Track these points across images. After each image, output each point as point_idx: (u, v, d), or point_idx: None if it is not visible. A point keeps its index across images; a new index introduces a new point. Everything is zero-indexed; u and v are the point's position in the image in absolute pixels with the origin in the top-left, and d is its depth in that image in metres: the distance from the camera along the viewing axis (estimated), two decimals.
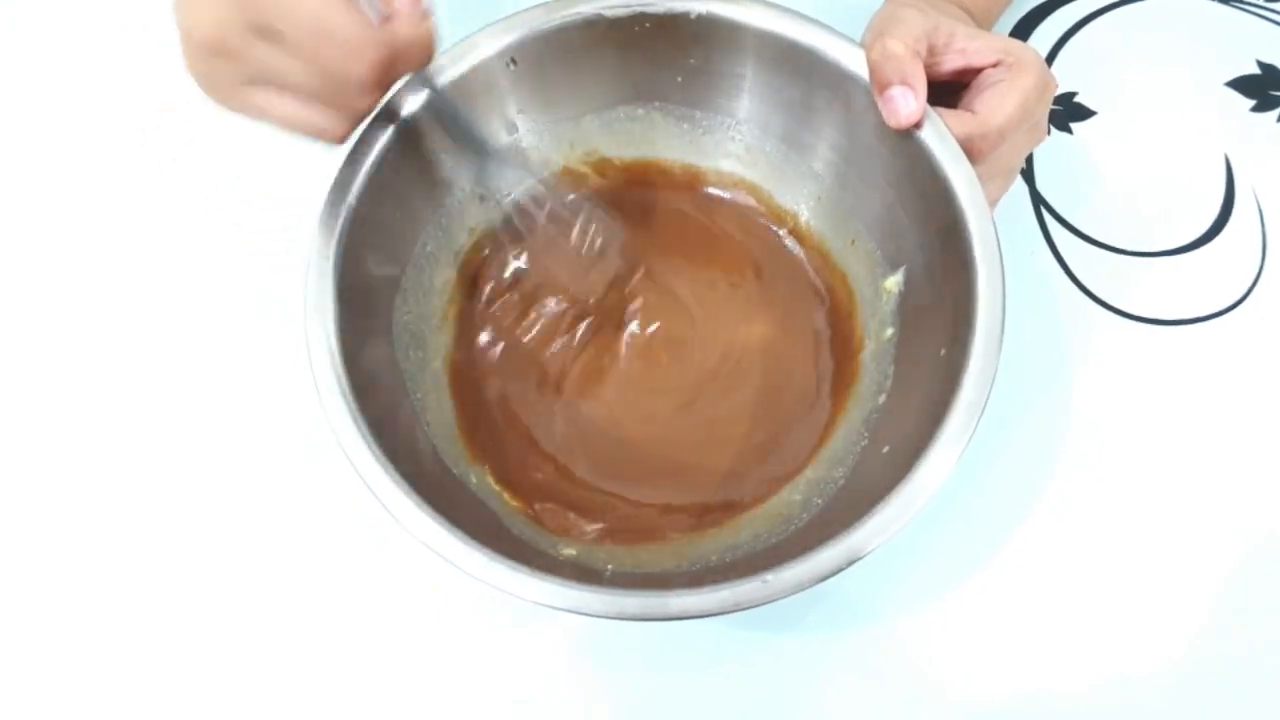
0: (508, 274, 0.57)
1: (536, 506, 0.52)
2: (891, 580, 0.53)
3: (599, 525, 0.52)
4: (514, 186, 0.56)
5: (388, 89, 0.44)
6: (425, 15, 0.43)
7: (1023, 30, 0.68)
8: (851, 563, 0.43)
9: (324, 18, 0.39)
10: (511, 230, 0.57)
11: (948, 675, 0.52)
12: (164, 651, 0.53)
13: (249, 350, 0.59)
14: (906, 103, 0.48)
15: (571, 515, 0.52)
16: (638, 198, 0.59)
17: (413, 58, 0.43)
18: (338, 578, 0.54)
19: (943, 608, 0.53)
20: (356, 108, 0.43)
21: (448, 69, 0.51)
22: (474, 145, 0.52)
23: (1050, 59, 0.66)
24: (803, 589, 0.42)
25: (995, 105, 0.49)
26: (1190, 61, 0.67)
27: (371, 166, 0.49)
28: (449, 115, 0.51)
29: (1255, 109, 0.65)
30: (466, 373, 0.55)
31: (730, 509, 0.52)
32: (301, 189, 0.49)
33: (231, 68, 0.40)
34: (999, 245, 0.47)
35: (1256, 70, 0.66)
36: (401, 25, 0.42)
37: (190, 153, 0.64)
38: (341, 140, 0.44)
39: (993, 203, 0.52)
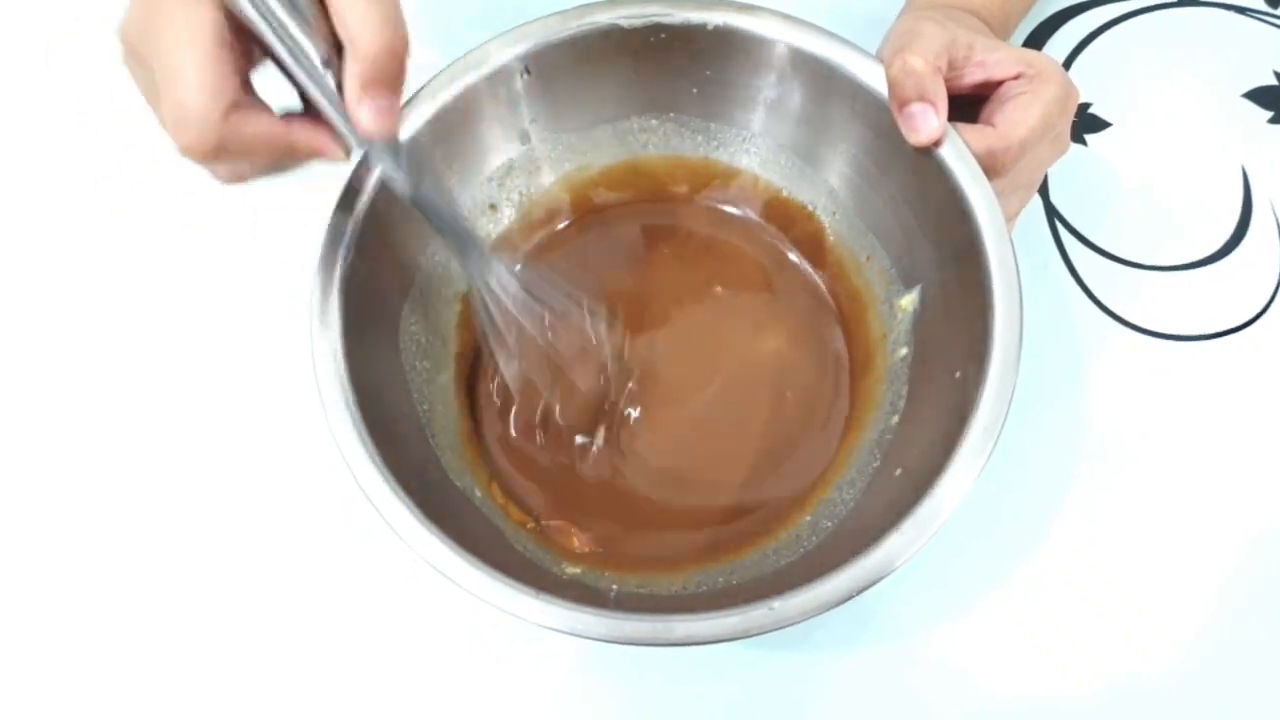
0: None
1: (542, 524, 0.49)
2: (903, 596, 0.50)
3: (605, 549, 0.49)
4: (492, 278, 0.47)
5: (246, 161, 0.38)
6: (317, 134, 0.39)
7: (1036, 41, 0.64)
8: (861, 590, 0.40)
9: (174, 76, 0.34)
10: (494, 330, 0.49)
11: (960, 692, 0.49)
12: (161, 669, 0.51)
13: (256, 351, 0.56)
14: (927, 120, 0.45)
15: (577, 536, 0.49)
16: (646, 214, 0.56)
17: (267, 156, 0.38)
18: (341, 590, 0.51)
19: (957, 624, 0.50)
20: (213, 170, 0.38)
21: (459, 79, 0.48)
22: (454, 240, 0.46)
23: (1064, 70, 0.62)
24: (810, 616, 0.39)
25: (1016, 118, 0.46)
26: (1206, 73, 0.63)
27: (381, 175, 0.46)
28: (430, 210, 0.44)
29: (1273, 120, 0.62)
30: (475, 386, 0.52)
31: (742, 538, 0.49)
32: (312, 192, 0.46)
33: (139, 72, 0.37)
34: (1017, 269, 0.44)
35: (1274, 81, 0.63)
36: (258, 126, 0.37)
37: None
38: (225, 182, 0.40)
39: (1013, 217, 0.49)
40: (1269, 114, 0.62)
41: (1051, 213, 0.59)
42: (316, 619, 0.51)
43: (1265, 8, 0.65)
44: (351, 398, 0.43)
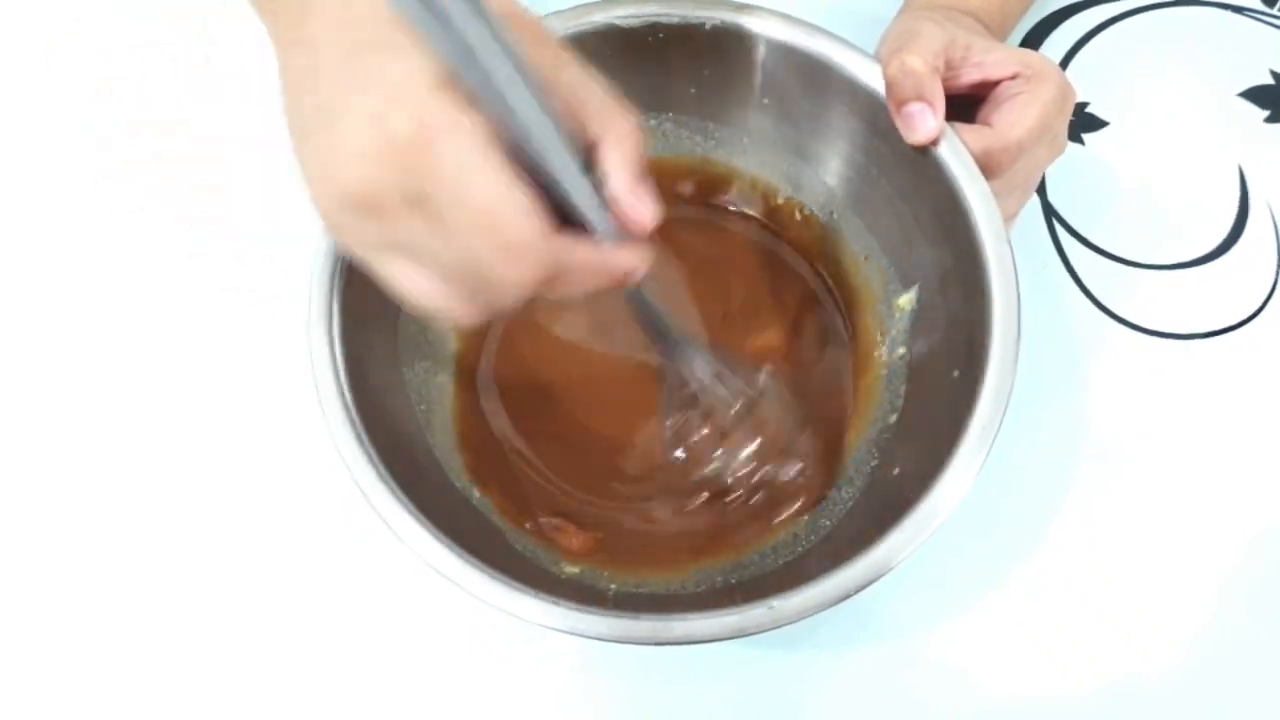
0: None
1: (541, 522, 0.49)
2: (903, 596, 0.50)
3: (602, 549, 0.48)
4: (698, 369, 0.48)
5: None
6: (634, 252, 0.35)
7: (1034, 40, 0.64)
8: (860, 589, 0.40)
9: (493, 209, 0.30)
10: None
11: (960, 692, 0.49)
12: (161, 669, 0.50)
13: (256, 351, 0.55)
14: (925, 120, 0.45)
15: (575, 535, 0.48)
16: None
17: (587, 283, 0.34)
18: (341, 591, 0.51)
19: (957, 624, 0.50)
20: (498, 306, 0.33)
21: None
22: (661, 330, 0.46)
23: (1062, 69, 0.62)
24: (808, 615, 0.39)
25: (1014, 119, 0.46)
26: (1203, 72, 0.63)
27: None
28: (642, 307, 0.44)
29: (1269, 120, 0.62)
30: (472, 386, 0.52)
31: (742, 538, 0.48)
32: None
33: (376, 230, 0.32)
34: (1015, 268, 0.44)
35: (1271, 81, 0.63)
36: (584, 252, 0.33)
37: (201, 152, 0.60)
38: (469, 325, 0.37)
39: (1011, 218, 0.49)
40: (1266, 113, 0.62)
41: (1049, 212, 0.59)
42: (317, 620, 0.51)
43: (1262, 7, 0.64)
44: (350, 398, 0.43)
